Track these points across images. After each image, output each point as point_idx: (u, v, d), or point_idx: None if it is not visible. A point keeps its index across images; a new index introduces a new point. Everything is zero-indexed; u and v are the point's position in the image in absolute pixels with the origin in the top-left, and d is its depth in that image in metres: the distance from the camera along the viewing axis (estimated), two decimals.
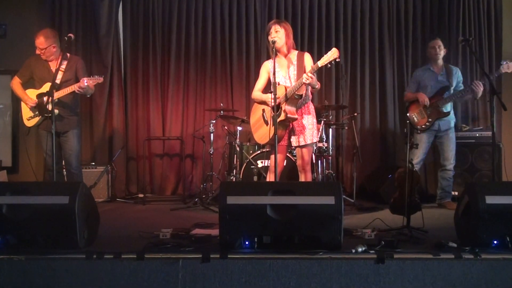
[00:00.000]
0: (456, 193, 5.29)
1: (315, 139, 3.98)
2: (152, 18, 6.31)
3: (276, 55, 3.87)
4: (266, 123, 3.93)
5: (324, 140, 5.43)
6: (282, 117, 3.74)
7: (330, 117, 5.73)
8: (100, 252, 2.77)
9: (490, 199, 2.90)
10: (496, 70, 5.00)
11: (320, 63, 3.64)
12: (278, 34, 3.85)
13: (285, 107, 3.74)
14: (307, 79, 3.60)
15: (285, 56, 3.98)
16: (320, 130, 5.31)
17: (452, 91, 5.04)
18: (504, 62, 4.74)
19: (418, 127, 5.09)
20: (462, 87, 5.09)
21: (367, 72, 6.36)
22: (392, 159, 6.29)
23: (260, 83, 4.06)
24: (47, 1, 6.15)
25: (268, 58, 4.23)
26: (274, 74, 3.64)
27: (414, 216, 3.63)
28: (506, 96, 5.55)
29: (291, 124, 3.89)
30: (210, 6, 6.30)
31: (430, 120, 5.02)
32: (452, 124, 5.15)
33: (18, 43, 6.10)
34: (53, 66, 4.49)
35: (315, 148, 5.15)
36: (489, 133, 5.18)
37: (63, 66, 4.48)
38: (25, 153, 6.04)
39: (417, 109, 5.11)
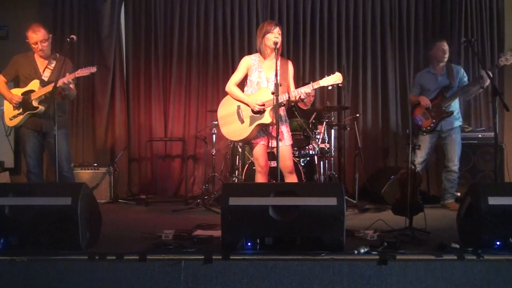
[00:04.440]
0: (459, 194, 5.29)
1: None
2: (154, 19, 6.33)
3: (267, 56, 3.89)
4: (242, 121, 3.87)
5: (326, 141, 5.43)
6: (266, 120, 3.75)
7: (332, 118, 5.73)
8: (102, 253, 2.77)
9: (493, 200, 2.90)
10: (493, 66, 5.05)
11: (322, 82, 3.69)
12: (280, 37, 3.83)
13: (270, 111, 3.73)
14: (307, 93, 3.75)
15: (271, 58, 3.92)
16: (322, 131, 5.32)
17: (455, 90, 5.04)
18: (503, 55, 4.78)
19: (423, 128, 5.15)
20: (466, 83, 5.09)
21: (369, 73, 6.36)
22: (394, 160, 6.29)
23: (238, 76, 3.96)
24: (48, 3, 6.16)
25: (250, 53, 4.22)
26: (276, 75, 3.60)
27: (416, 217, 3.62)
28: (509, 97, 5.54)
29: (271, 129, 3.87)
30: (212, 7, 6.31)
31: (434, 121, 5.06)
32: (456, 125, 5.12)
33: (19, 45, 6.08)
34: (40, 64, 4.39)
35: (317, 149, 5.16)
36: (492, 134, 5.20)
37: (52, 65, 4.37)
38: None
39: (421, 111, 5.16)
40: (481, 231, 2.91)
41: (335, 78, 3.66)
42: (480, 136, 5.58)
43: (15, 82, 4.48)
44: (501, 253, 2.82)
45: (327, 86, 3.69)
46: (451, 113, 5.04)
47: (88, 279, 2.71)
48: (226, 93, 4.01)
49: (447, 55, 5.14)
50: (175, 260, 2.72)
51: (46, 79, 4.33)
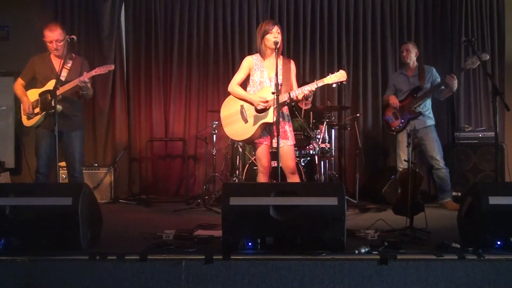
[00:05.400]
0: (459, 193, 5.29)
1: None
2: (155, 19, 6.33)
3: (267, 56, 3.88)
4: (245, 121, 3.85)
5: (327, 141, 5.43)
6: (270, 119, 3.72)
7: (333, 118, 5.73)
8: (103, 253, 2.77)
9: (493, 200, 2.89)
10: (461, 68, 5.09)
11: (326, 80, 3.66)
12: (279, 36, 3.81)
13: (274, 110, 3.68)
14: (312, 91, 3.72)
15: (272, 58, 3.90)
16: (323, 131, 5.32)
17: (425, 90, 5.11)
18: (469, 58, 4.89)
19: (393, 128, 5.28)
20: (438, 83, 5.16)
21: (370, 72, 6.36)
22: (394, 160, 6.27)
23: (240, 77, 3.93)
24: (49, 3, 6.17)
25: (251, 53, 4.22)
26: (276, 75, 3.59)
27: (417, 217, 3.62)
28: (509, 97, 5.54)
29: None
30: (212, 7, 6.31)
31: (402, 121, 5.17)
32: (429, 123, 5.19)
33: (20, 45, 6.12)
34: (57, 65, 4.41)
35: (317, 149, 5.16)
36: (492, 134, 5.20)
37: (69, 65, 4.42)
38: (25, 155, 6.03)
39: (391, 111, 5.28)
40: (481, 230, 2.91)
41: (339, 76, 3.65)
42: (480, 135, 5.59)
43: (32, 83, 4.51)
44: (501, 252, 2.82)
45: (331, 84, 3.68)
46: (419, 113, 5.11)
47: (89, 279, 2.71)
48: (227, 93, 4.00)
49: (409, 55, 5.23)
50: (176, 260, 2.72)
51: (63, 78, 4.35)
